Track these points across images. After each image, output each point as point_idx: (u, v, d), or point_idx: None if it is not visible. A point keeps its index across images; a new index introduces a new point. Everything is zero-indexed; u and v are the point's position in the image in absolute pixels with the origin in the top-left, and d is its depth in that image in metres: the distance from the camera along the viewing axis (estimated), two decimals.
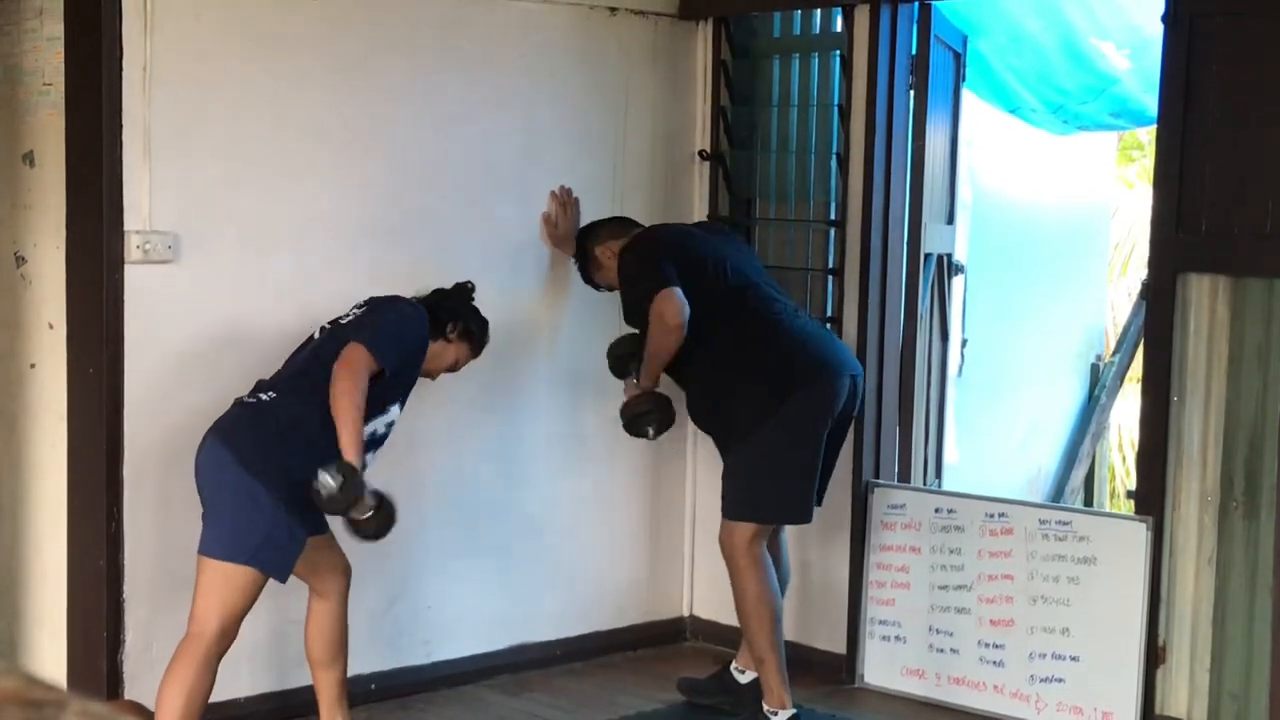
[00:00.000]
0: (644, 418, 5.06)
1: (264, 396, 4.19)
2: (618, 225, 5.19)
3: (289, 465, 4.07)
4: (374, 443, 4.24)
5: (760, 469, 4.80)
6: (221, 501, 4.10)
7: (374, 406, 4.15)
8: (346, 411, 4.06)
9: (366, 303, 4.40)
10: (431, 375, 4.56)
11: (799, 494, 4.84)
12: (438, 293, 4.56)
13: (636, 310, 4.90)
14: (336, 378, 4.08)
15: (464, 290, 4.59)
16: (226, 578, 4.05)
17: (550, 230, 5.40)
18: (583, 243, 5.21)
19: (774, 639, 4.82)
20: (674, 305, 4.74)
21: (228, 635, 4.10)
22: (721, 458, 4.97)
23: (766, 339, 4.84)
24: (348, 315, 4.35)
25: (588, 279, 5.24)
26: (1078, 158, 8.07)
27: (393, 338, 4.25)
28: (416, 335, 4.35)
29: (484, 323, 4.60)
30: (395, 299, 4.42)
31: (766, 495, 4.83)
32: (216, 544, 4.08)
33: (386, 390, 4.21)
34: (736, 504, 4.84)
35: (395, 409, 4.31)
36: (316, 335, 4.35)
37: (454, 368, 4.59)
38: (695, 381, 4.99)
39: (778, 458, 4.79)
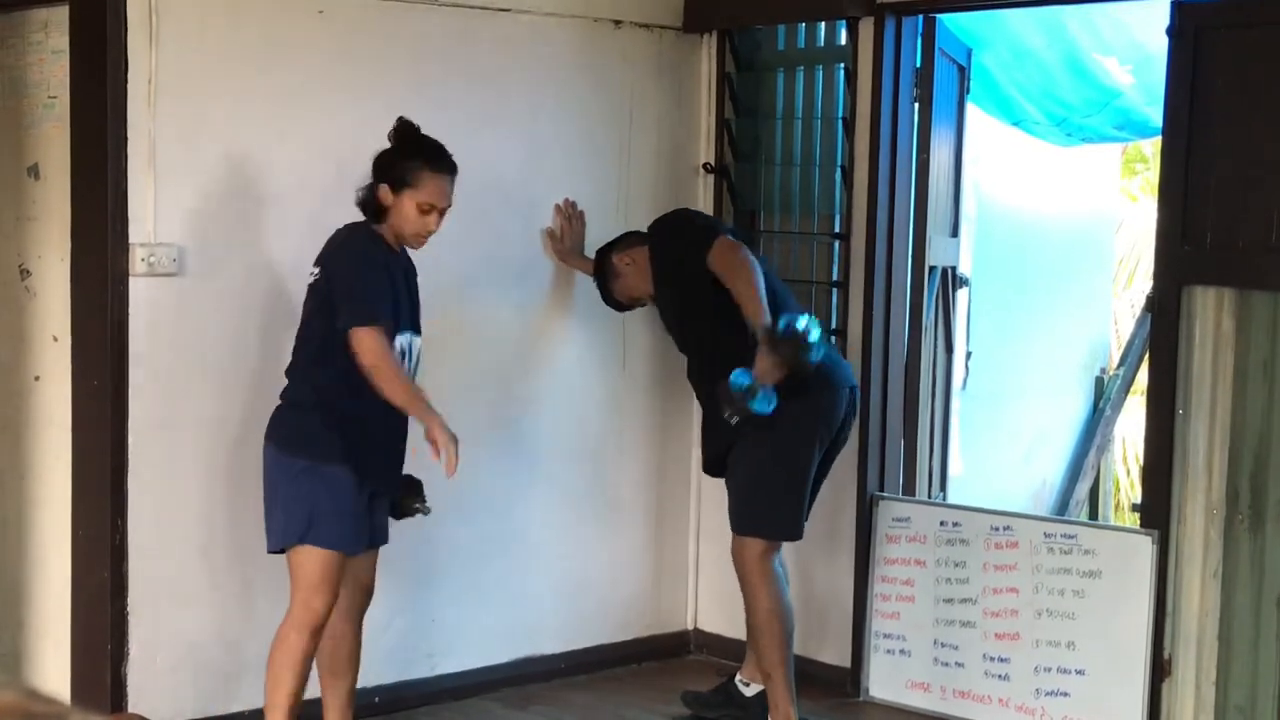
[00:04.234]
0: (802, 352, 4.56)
1: (285, 389, 4.27)
2: (633, 236, 5.19)
3: (324, 442, 4.12)
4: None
5: (763, 483, 4.79)
6: (271, 496, 4.20)
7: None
8: (412, 405, 4.13)
9: (320, 259, 4.23)
10: (420, 237, 4.28)
11: (793, 509, 4.83)
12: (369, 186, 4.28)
13: (682, 286, 4.82)
14: (376, 378, 4.08)
15: (401, 132, 4.28)
16: (296, 564, 4.16)
17: (555, 245, 5.40)
18: (599, 260, 5.20)
19: (784, 654, 4.81)
20: (740, 248, 4.70)
21: (316, 616, 4.16)
22: (724, 471, 4.94)
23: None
24: (313, 273, 4.25)
25: (608, 297, 5.21)
26: (1082, 170, 8.07)
27: (367, 295, 4.13)
28: (377, 266, 4.18)
29: (432, 145, 4.29)
30: (338, 248, 4.23)
31: (771, 510, 4.82)
32: (271, 536, 4.21)
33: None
34: (744, 519, 4.84)
35: (405, 337, 4.21)
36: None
37: (432, 209, 4.24)
38: (706, 382, 4.93)
39: (778, 471, 4.78)
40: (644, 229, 5.22)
